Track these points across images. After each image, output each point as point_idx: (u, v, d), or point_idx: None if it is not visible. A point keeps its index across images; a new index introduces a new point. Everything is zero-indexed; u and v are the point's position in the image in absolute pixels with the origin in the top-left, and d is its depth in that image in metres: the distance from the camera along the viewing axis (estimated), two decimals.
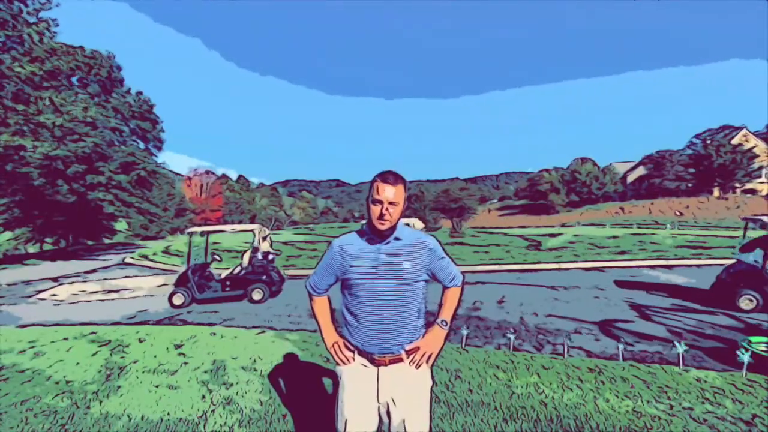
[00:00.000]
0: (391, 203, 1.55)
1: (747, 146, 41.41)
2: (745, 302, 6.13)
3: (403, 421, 1.58)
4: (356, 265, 1.61)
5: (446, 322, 1.68)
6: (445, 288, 1.75)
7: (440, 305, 1.74)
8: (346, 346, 1.67)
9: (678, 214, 36.60)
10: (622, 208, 43.51)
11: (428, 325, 1.71)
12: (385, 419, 1.63)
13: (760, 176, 42.24)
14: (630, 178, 57.58)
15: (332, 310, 1.82)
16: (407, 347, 1.62)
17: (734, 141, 43.09)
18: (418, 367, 1.62)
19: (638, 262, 11.34)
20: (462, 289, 1.77)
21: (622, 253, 12.81)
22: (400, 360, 1.62)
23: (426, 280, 1.68)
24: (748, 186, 42.19)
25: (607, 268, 10.82)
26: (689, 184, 45.84)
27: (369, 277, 1.59)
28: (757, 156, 40.53)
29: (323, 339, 1.73)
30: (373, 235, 1.63)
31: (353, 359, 1.65)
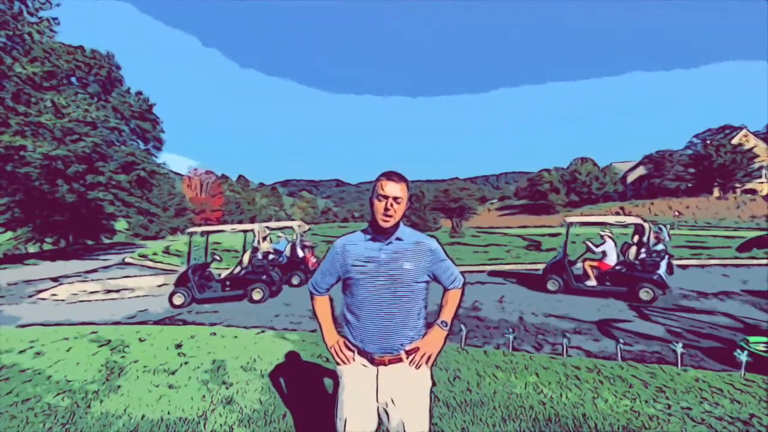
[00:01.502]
0: (395, 199, 1.57)
1: (747, 146, 41.39)
2: (550, 285, 7.73)
3: (402, 422, 1.57)
4: (358, 265, 1.62)
5: (446, 323, 1.69)
6: (445, 289, 1.76)
7: (441, 306, 1.74)
8: (347, 346, 1.67)
9: (678, 214, 36.58)
10: (622, 208, 43.51)
11: (428, 326, 1.72)
12: (385, 419, 1.63)
13: (760, 176, 42.23)
14: (630, 178, 57.55)
15: (333, 309, 1.83)
16: (407, 347, 1.63)
17: (734, 141, 43.08)
18: (417, 367, 1.62)
19: None
20: (462, 291, 1.78)
21: None
22: (400, 360, 1.62)
23: (427, 282, 1.68)
24: (748, 186, 42.16)
25: None
26: (689, 184, 45.80)
27: (370, 277, 1.60)
28: (757, 156, 40.51)
29: (324, 339, 1.74)
30: (376, 233, 1.64)
31: (353, 359, 1.65)
